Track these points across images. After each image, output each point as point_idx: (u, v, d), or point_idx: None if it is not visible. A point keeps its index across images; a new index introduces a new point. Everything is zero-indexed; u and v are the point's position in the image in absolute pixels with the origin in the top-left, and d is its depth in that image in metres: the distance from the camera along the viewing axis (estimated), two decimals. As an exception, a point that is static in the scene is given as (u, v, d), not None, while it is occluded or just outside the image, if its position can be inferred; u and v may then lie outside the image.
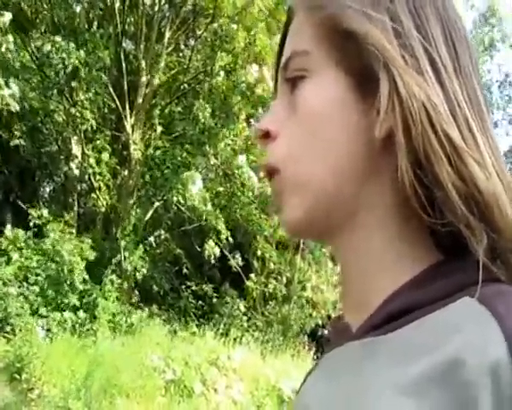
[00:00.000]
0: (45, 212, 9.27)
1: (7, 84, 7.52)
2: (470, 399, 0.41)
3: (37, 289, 8.27)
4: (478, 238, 0.47)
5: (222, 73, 10.45)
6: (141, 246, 9.45)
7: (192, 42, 11.99)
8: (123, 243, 9.27)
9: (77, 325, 8.14)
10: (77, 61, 8.85)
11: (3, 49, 7.89)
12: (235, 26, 10.04)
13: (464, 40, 0.55)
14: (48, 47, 8.95)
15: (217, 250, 10.13)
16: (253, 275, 11.64)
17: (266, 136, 0.58)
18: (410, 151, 0.48)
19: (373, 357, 0.50)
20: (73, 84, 9.46)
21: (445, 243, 0.53)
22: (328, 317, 11.32)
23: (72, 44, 8.85)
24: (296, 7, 0.60)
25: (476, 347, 0.42)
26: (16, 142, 10.82)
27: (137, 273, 9.40)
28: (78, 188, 10.94)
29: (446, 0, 0.56)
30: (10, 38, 7.95)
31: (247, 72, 9.84)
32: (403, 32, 0.51)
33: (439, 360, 0.43)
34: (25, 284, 8.29)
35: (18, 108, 7.66)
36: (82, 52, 8.93)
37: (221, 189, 10.73)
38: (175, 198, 9.42)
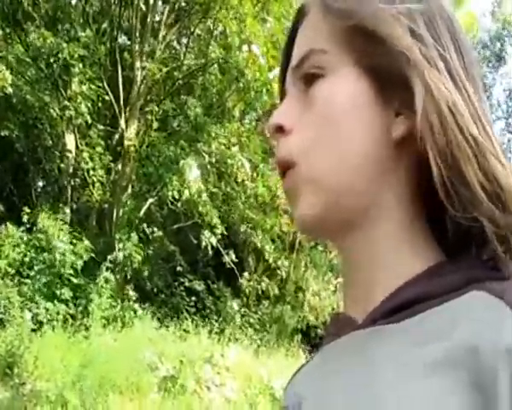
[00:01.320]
0: (39, 207, 9.20)
1: None
2: (489, 381, 0.42)
3: (29, 283, 8.20)
4: (503, 230, 0.49)
5: (215, 66, 10.44)
6: (135, 234, 9.39)
7: (185, 39, 11.98)
8: (117, 236, 9.22)
9: (69, 321, 8.08)
10: (69, 56, 8.80)
11: None
12: (225, 12, 10.02)
13: (470, 49, 0.57)
14: (40, 41, 8.89)
15: (213, 240, 10.10)
16: (246, 273, 11.63)
17: (280, 130, 0.58)
18: (437, 151, 0.50)
19: (383, 343, 0.51)
20: (67, 78, 9.41)
21: (449, 243, 0.55)
22: (324, 322, 11.35)
23: (63, 39, 8.80)
24: (309, 5, 0.60)
25: (491, 333, 0.43)
26: (10, 136, 10.74)
27: (131, 262, 9.34)
28: (72, 183, 10.86)
29: (450, 12, 0.58)
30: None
31: (238, 56, 9.82)
32: (420, 37, 0.53)
33: (454, 344, 0.45)
34: (17, 278, 8.22)
35: (11, 89, 7.55)
36: (75, 47, 8.88)
37: (215, 189, 10.70)
38: (170, 193, 9.38)
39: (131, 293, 9.72)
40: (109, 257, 9.17)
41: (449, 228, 0.55)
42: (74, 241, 8.95)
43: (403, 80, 0.52)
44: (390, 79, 0.53)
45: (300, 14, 0.61)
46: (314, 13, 0.59)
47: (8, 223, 8.87)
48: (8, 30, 10.05)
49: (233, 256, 11.06)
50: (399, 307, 0.51)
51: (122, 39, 11.70)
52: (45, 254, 8.61)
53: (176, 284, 11.29)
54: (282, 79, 0.63)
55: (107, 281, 8.87)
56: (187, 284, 11.20)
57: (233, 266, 11.02)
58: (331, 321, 0.64)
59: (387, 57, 0.52)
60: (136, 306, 9.55)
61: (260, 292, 11.77)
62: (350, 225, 0.56)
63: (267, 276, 12.03)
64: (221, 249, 10.86)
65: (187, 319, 9.98)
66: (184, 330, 9.33)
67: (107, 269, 8.99)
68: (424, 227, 0.56)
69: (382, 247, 0.55)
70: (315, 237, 0.63)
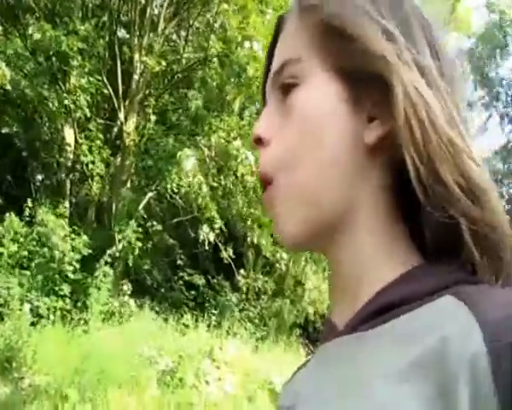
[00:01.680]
0: (38, 200, 9.19)
1: None
2: (450, 390, 0.42)
3: (28, 277, 8.20)
4: (479, 226, 0.50)
5: (215, 60, 10.40)
6: (133, 228, 9.36)
7: (184, 32, 11.93)
8: (116, 230, 9.21)
9: (68, 315, 8.08)
10: (68, 49, 8.76)
11: None
12: (226, 6, 9.97)
13: (447, 54, 0.57)
14: (39, 34, 8.84)
15: (211, 236, 10.09)
16: (242, 271, 11.64)
17: (259, 142, 0.58)
18: (415, 152, 0.50)
19: (363, 350, 0.51)
20: (66, 71, 9.37)
21: (428, 246, 0.55)
22: (322, 316, 11.38)
23: (62, 32, 8.76)
24: (289, 13, 0.60)
25: (457, 340, 0.43)
26: (8, 130, 10.72)
27: (130, 256, 9.33)
28: (71, 177, 10.83)
29: (427, 17, 0.58)
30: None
31: (239, 52, 9.79)
32: (394, 39, 0.53)
33: (423, 351, 0.45)
34: (16, 271, 8.22)
35: (9, 86, 7.53)
36: (74, 40, 8.84)
37: (215, 184, 10.68)
38: (168, 185, 9.37)
39: (130, 287, 9.72)
40: (108, 251, 9.15)
41: (426, 231, 0.54)
42: (73, 235, 8.94)
43: (378, 82, 0.52)
44: (364, 82, 0.53)
45: (280, 23, 0.61)
46: (292, 20, 0.59)
47: (8, 215, 8.85)
48: (6, 24, 10.00)
49: (230, 252, 11.06)
50: (377, 312, 0.52)
51: (121, 33, 11.66)
52: (44, 249, 8.61)
53: (175, 278, 11.30)
54: (264, 87, 0.63)
55: (105, 275, 8.87)
56: (186, 278, 11.21)
57: (230, 261, 11.02)
58: (324, 325, 0.64)
59: (361, 58, 0.52)
60: (136, 300, 9.56)
61: (257, 289, 11.79)
62: (330, 234, 0.56)
63: (266, 271, 12.04)
64: (219, 245, 10.86)
65: (186, 313, 9.99)
66: (184, 325, 9.34)
67: (106, 263, 8.99)
68: (403, 231, 0.56)
69: (362, 253, 0.55)
70: (298, 250, 0.62)
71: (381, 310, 0.52)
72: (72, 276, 8.51)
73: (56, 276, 8.40)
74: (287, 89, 0.57)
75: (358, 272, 0.55)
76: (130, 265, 9.63)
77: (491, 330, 0.42)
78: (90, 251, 8.97)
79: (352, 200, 0.55)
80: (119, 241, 9.27)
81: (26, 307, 7.67)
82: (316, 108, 0.55)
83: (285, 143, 0.56)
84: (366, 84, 0.53)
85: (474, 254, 0.50)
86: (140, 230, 9.62)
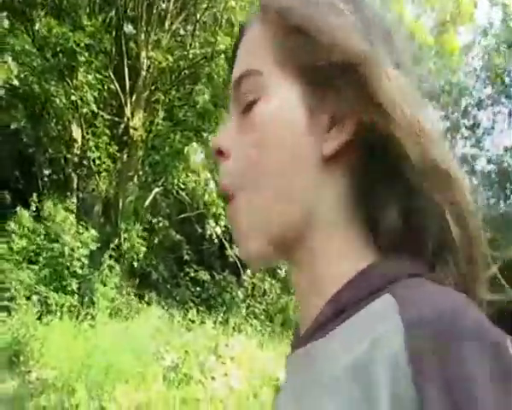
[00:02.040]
0: (46, 196, 9.23)
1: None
2: (373, 393, 0.42)
3: (36, 271, 8.24)
4: (444, 205, 0.49)
5: (222, 55, 10.39)
6: (138, 225, 9.40)
7: (191, 27, 11.92)
8: (123, 226, 9.24)
9: (75, 310, 8.12)
10: (75, 45, 8.78)
11: None
12: (233, 3, 9.96)
13: (400, 36, 0.56)
14: (46, 30, 8.87)
15: (218, 230, 10.10)
16: (249, 271, 11.64)
17: (220, 153, 0.56)
18: (390, 141, 0.50)
19: (312, 361, 0.51)
20: (73, 67, 9.39)
21: (385, 244, 0.54)
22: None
23: (69, 28, 8.78)
24: (251, 20, 0.58)
25: (383, 341, 0.43)
26: (16, 125, 10.76)
27: (136, 252, 9.35)
28: (78, 172, 10.87)
29: (386, 21, 0.56)
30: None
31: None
32: (361, 31, 0.52)
33: (356, 356, 0.45)
34: (24, 265, 8.26)
35: (16, 82, 7.57)
36: (81, 36, 8.86)
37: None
38: (175, 181, 9.38)
39: (137, 282, 9.75)
40: (112, 245, 9.17)
41: (385, 228, 0.53)
42: (81, 230, 8.97)
43: (345, 79, 0.50)
44: (328, 81, 0.51)
45: (243, 31, 0.59)
46: (254, 26, 0.57)
47: (18, 210, 8.91)
48: (13, 20, 10.03)
49: (236, 250, 11.04)
50: (329, 319, 0.51)
51: (128, 28, 11.66)
52: (52, 243, 8.65)
53: (181, 274, 11.31)
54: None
55: (111, 270, 8.90)
56: (192, 274, 11.22)
57: (236, 260, 11.02)
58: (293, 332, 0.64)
59: (328, 53, 0.50)
60: (142, 295, 9.58)
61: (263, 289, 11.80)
62: (292, 246, 0.55)
63: (272, 268, 12.03)
64: (225, 243, 10.86)
65: (192, 308, 10.01)
66: (190, 320, 9.36)
67: (111, 258, 9.01)
68: (364, 233, 0.55)
69: (320, 261, 0.54)
70: (260, 265, 0.61)
71: (332, 317, 0.51)
72: (79, 271, 8.55)
73: (64, 271, 8.44)
74: (247, 105, 0.55)
75: (317, 280, 0.54)
76: (136, 261, 9.65)
77: (413, 328, 0.41)
78: (98, 245, 9.00)
79: (312, 211, 0.53)
80: (125, 240, 9.30)
81: (33, 301, 7.72)
82: (274, 121, 0.53)
83: (244, 160, 0.54)
84: (331, 83, 0.51)
85: (433, 247, 0.50)
86: (146, 234, 9.63)
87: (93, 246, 8.93)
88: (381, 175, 0.53)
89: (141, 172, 10.74)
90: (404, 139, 0.49)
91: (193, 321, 9.36)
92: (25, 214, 8.82)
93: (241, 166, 0.54)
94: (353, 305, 0.49)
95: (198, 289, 11.09)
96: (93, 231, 9.03)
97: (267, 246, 0.54)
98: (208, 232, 10.10)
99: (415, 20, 13.08)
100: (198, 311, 9.94)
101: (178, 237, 11.50)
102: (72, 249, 8.52)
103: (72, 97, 9.36)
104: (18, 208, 8.91)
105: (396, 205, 0.52)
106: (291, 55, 0.53)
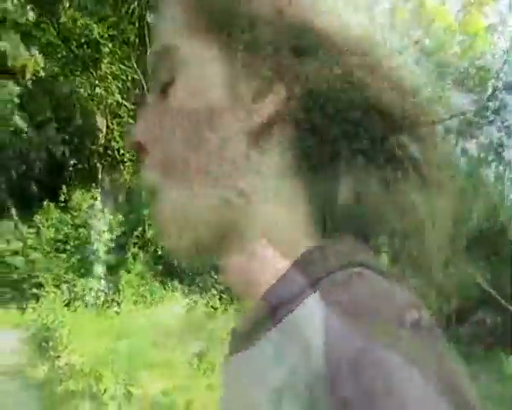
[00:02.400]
0: (72, 185, 9.38)
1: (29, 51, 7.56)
2: None
3: (64, 258, 8.41)
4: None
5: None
6: None
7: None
8: (146, 213, 9.35)
9: (101, 297, 8.28)
10: (98, 36, 8.85)
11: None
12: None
13: None
14: (71, 22, 8.97)
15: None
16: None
17: (139, 147, 0.49)
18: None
19: (245, 371, 0.46)
20: (97, 59, 9.49)
21: (332, 226, 0.47)
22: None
23: (93, 19, 8.85)
24: None
25: (306, 354, 0.37)
26: (42, 117, 10.92)
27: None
28: (103, 162, 11.02)
29: None
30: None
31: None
32: None
33: (283, 374, 0.39)
34: (53, 254, 8.44)
35: (42, 73, 7.69)
36: (104, 27, 8.93)
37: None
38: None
39: (160, 270, 9.87)
40: (136, 233, 9.29)
41: (330, 207, 0.46)
42: (107, 215, 9.11)
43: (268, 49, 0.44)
44: (255, 49, 0.45)
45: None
46: None
47: (46, 202, 9.09)
48: (39, 13, 10.16)
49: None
50: (261, 321, 0.45)
51: (151, 17, 11.69)
52: (79, 231, 8.82)
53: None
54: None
55: (135, 258, 9.02)
56: (215, 261, 11.28)
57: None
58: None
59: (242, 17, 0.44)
60: (166, 283, 9.70)
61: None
62: (223, 243, 0.49)
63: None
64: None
65: (215, 296, 10.07)
66: (212, 307, 9.43)
67: (135, 245, 9.14)
68: (308, 213, 0.47)
69: (255, 254, 0.47)
70: (191, 262, 0.54)
71: (264, 318, 0.44)
72: (104, 258, 8.71)
73: (90, 258, 8.60)
74: (163, 86, 0.48)
75: (252, 276, 0.48)
76: (160, 249, 9.77)
77: (334, 340, 0.36)
78: (121, 233, 9.13)
79: (246, 193, 0.46)
80: (149, 227, 9.41)
81: (63, 288, 7.90)
82: (191, 102, 0.46)
83: (161, 153, 0.48)
84: (254, 47, 0.45)
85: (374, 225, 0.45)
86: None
87: (119, 231, 9.06)
88: (322, 146, 0.45)
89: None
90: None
91: (216, 308, 9.43)
92: (51, 206, 9.00)
93: (159, 162, 0.48)
94: (286, 303, 0.42)
95: (221, 276, 11.14)
96: (119, 216, 9.15)
97: (194, 247, 0.48)
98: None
99: (439, 4, 12.83)
100: (221, 298, 10.01)
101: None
102: (99, 234, 8.66)
103: (97, 89, 9.46)
104: (45, 202, 9.08)
105: (344, 180, 0.46)
106: (208, 21, 0.46)
